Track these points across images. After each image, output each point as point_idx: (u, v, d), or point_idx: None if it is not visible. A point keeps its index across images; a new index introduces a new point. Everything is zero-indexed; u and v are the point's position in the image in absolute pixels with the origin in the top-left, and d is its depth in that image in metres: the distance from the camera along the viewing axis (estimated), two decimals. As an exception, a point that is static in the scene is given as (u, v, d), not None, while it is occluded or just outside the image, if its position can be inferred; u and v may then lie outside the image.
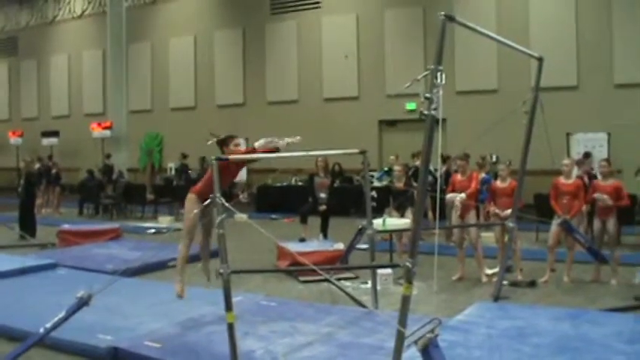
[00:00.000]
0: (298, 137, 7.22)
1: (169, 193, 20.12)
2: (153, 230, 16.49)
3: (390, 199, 11.74)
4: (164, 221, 17.92)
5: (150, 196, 20.28)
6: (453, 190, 10.36)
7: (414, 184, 11.24)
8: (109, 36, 26.91)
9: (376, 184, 16.65)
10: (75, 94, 28.96)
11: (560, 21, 18.60)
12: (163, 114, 26.10)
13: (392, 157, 16.87)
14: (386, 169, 17.21)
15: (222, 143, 7.37)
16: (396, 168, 12.12)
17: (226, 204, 6.00)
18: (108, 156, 23.80)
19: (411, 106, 19.12)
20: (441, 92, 4.75)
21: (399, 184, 11.58)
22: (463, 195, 10.12)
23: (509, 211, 9.50)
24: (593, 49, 18.19)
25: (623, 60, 17.80)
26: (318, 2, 22.67)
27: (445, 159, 14.87)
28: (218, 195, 5.98)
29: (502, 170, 10.42)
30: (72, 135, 27.45)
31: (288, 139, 7.16)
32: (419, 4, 20.54)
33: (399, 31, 21.20)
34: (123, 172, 23.30)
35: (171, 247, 12.10)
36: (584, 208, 10.81)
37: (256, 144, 7.16)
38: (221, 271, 5.79)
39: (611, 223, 9.76)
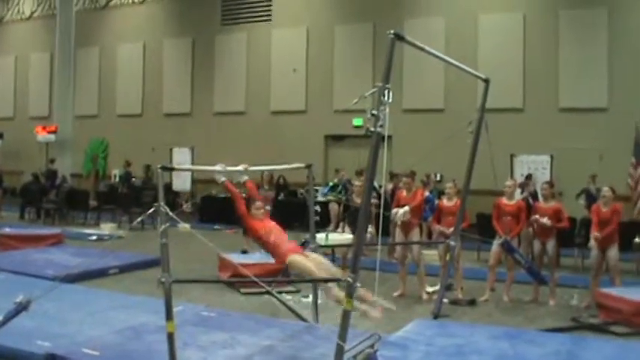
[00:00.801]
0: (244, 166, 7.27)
1: (113, 200, 19.92)
2: (95, 237, 16.30)
3: (338, 215, 11.70)
4: (106, 228, 17.73)
5: (93, 203, 20.07)
6: (398, 207, 10.41)
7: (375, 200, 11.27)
8: (57, 39, 26.54)
9: (321, 198, 16.68)
10: (20, 96, 28.47)
11: (508, 43, 18.88)
12: (109, 120, 25.79)
13: (342, 173, 16.86)
14: (331, 184, 17.23)
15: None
16: (357, 183, 12.15)
17: (170, 213, 5.95)
18: (52, 160, 23.46)
19: (358, 122, 19.17)
20: (387, 110, 4.79)
21: (358, 200, 11.56)
22: (407, 208, 10.17)
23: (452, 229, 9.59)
24: (540, 72, 18.51)
25: (568, 84, 18.15)
26: (268, 15, 22.70)
27: (392, 176, 14.96)
28: (162, 204, 5.93)
29: (449, 188, 10.50)
30: (16, 137, 27.00)
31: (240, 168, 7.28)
32: (369, 21, 20.70)
33: (349, 46, 21.31)
34: (67, 177, 22.96)
35: (112, 254, 12.05)
36: (528, 229, 10.97)
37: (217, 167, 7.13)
38: (162, 280, 5.74)
39: (551, 245, 9.93)
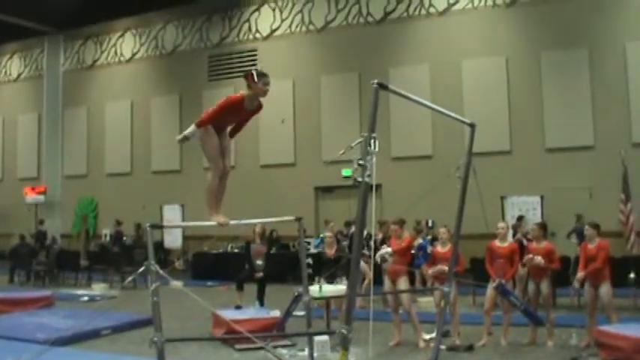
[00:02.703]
0: None
1: (104, 260, 19.78)
2: (86, 298, 16.13)
3: (320, 268, 11.61)
4: (98, 288, 17.54)
5: (84, 263, 19.91)
6: (389, 255, 10.35)
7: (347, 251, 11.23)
8: (45, 100, 26.73)
9: (313, 250, 16.63)
10: (9, 157, 28.50)
11: (493, 87, 19.06)
12: (98, 179, 25.79)
13: (331, 224, 16.82)
14: (322, 235, 17.20)
15: (251, 78, 7.12)
16: (327, 234, 12.11)
17: (161, 271, 5.89)
18: (41, 221, 23.38)
19: (347, 172, 19.13)
20: (374, 159, 4.78)
21: (330, 252, 11.55)
22: (389, 249, 10.12)
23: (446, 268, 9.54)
24: (525, 114, 18.66)
25: (553, 124, 18.29)
26: (255, 68, 22.79)
27: (382, 224, 14.93)
28: (152, 262, 5.87)
29: (443, 234, 10.47)
30: (4, 199, 26.99)
31: None
32: (354, 70, 20.87)
33: (335, 96, 21.45)
34: (56, 238, 22.85)
35: (104, 315, 11.91)
36: (522, 270, 10.93)
37: None
38: (155, 339, 5.65)
39: (545, 285, 9.89)
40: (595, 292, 9.66)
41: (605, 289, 9.60)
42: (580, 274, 9.68)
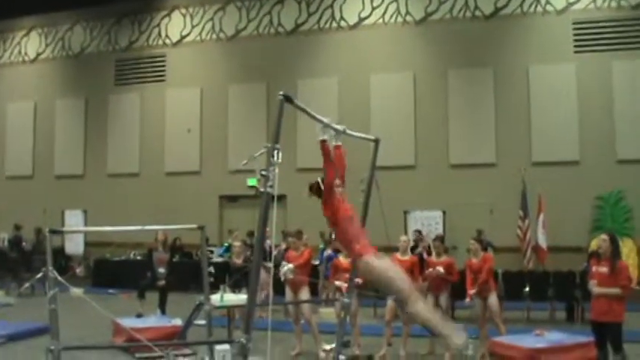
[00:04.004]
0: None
1: (1, 266, 19.17)
2: (-19, 305, 15.64)
3: (226, 276, 11.61)
4: (-5, 295, 17.03)
5: (-21, 268, 19.27)
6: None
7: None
8: (-59, 99, 25.74)
9: (216, 259, 16.55)
10: None
11: (400, 102, 19.36)
12: (-2, 182, 25.02)
13: (236, 233, 16.76)
14: (227, 244, 17.13)
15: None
16: (236, 244, 12.10)
17: (60, 278, 5.80)
18: None
19: (252, 181, 19.09)
20: (277, 170, 4.83)
21: (238, 261, 11.56)
22: (291, 265, 10.19)
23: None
24: (430, 130, 19.03)
25: (458, 141, 18.74)
26: (162, 75, 22.63)
27: (285, 235, 14.99)
28: (51, 269, 5.78)
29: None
30: None
31: None
32: (263, 80, 20.90)
33: (243, 106, 21.42)
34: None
35: (1, 323, 11.59)
36: (423, 283, 11.13)
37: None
38: (52, 347, 5.55)
39: (444, 298, 10.14)
40: (484, 303, 9.95)
41: (492, 299, 9.92)
42: (471, 291, 9.95)
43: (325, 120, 5.96)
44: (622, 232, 16.17)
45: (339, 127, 6.13)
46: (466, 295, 10.15)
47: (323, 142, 5.98)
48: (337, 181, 5.98)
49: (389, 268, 5.59)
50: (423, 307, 5.54)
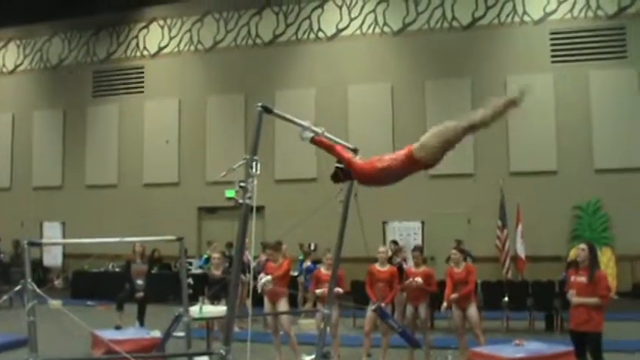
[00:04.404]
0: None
1: (-22, 279, 18.99)
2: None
3: (205, 288, 11.58)
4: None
5: (-45, 281, 19.04)
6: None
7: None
8: None
9: (195, 271, 16.49)
10: None
11: (377, 113, 19.47)
12: (-26, 194, 24.80)
13: (215, 245, 16.68)
14: (206, 256, 17.07)
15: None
16: (215, 255, 12.07)
17: (38, 290, 5.76)
18: None
19: (230, 193, 18.96)
20: (255, 181, 4.84)
21: (217, 272, 11.52)
22: (269, 277, 10.16)
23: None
24: (408, 140, 18.69)
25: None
26: (141, 86, 22.58)
27: (264, 247, 14.94)
28: (29, 280, 5.74)
29: (327, 258, 10.57)
30: None
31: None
32: (241, 91, 20.91)
33: (221, 118, 21.41)
34: None
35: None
36: (402, 293, 11.14)
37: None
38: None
39: (423, 308, 10.14)
40: (463, 314, 9.98)
41: (472, 310, 9.96)
42: (453, 295, 9.96)
43: (305, 123, 6.00)
44: (600, 242, 16.31)
45: (318, 129, 6.13)
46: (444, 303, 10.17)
47: (314, 138, 6.12)
48: (351, 153, 6.20)
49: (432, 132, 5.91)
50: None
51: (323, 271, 10.57)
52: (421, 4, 19.75)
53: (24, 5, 22.35)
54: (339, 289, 9.90)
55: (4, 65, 25.07)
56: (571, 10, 18.58)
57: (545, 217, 17.50)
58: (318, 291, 10.47)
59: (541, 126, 18.22)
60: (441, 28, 19.49)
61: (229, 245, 15.89)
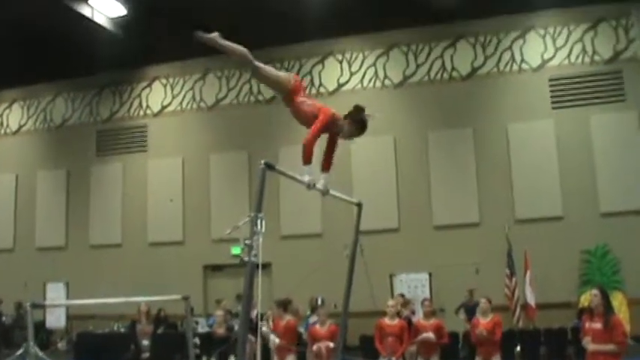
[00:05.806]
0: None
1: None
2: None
3: (210, 347, 11.42)
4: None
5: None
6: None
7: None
8: None
9: (202, 330, 16.32)
10: None
11: (381, 165, 19.40)
12: (-23, 256, 24.68)
13: (224, 303, 16.54)
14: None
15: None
16: (218, 313, 11.97)
17: (41, 353, 5.67)
18: None
19: (236, 250, 18.78)
20: (261, 239, 4.78)
21: (220, 330, 11.39)
22: (277, 340, 10.08)
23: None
24: (413, 192, 19.03)
25: (441, 202, 18.74)
26: (144, 145, 22.61)
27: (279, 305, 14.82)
28: (32, 344, 5.66)
29: (321, 315, 10.48)
30: None
31: None
32: (244, 149, 20.88)
33: (225, 175, 21.34)
34: None
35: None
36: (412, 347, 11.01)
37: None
38: None
39: (436, 361, 10.01)
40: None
41: (497, 360, 9.85)
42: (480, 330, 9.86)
43: (305, 179, 6.67)
44: (611, 286, 16.11)
45: (321, 187, 6.38)
46: (459, 356, 10.06)
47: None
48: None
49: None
50: None
51: (317, 327, 10.46)
52: (420, 56, 19.86)
53: (27, 66, 22.48)
54: (329, 343, 9.80)
55: (7, 126, 25.15)
56: (568, 56, 18.67)
57: (554, 263, 17.34)
58: (315, 347, 10.35)
59: (544, 172, 18.16)
60: (441, 79, 19.57)
61: (239, 297, 15.69)
